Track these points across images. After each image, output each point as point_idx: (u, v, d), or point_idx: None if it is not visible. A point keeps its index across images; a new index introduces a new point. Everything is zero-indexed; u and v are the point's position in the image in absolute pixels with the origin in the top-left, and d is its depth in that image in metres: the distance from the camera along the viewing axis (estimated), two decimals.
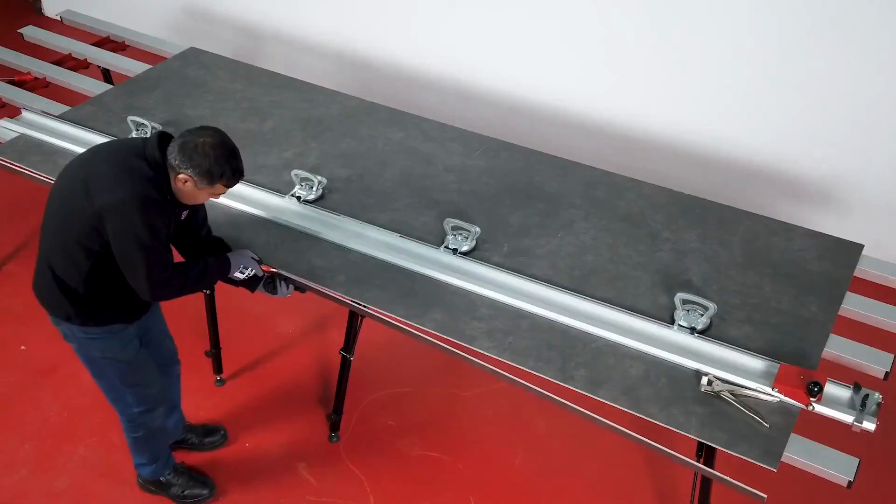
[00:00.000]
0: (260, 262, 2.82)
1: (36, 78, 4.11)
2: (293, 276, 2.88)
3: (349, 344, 3.23)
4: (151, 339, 2.91)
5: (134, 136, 3.45)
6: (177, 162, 2.42)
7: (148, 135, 3.41)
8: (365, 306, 2.82)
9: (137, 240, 2.40)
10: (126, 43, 4.49)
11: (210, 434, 3.42)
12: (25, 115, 3.67)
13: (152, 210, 2.41)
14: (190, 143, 2.41)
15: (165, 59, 4.19)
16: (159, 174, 2.45)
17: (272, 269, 2.86)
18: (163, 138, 2.49)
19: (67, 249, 2.49)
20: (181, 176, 2.43)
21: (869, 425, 2.38)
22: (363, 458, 3.39)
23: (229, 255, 2.74)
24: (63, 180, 2.56)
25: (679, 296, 2.71)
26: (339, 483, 3.30)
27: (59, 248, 2.52)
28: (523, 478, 3.35)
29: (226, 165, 2.44)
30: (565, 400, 2.53)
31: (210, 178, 2.43)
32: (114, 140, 2.78)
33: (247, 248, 2.84)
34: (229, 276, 2.73)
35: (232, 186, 2.52)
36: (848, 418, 2.40)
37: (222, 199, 3.13)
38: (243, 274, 2.75)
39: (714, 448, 2.40)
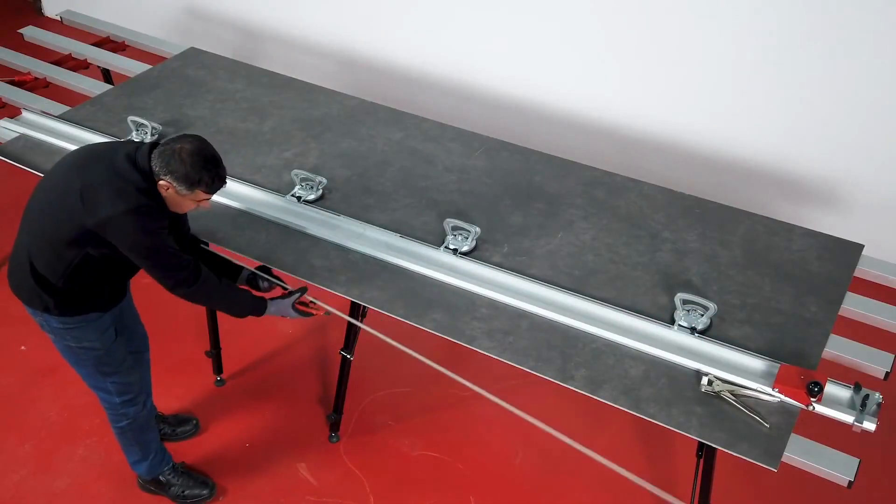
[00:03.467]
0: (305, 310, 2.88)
1: (36, 78, 4.11)
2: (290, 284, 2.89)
3: (349, 344, 3.23)
4: (126, 326, 2.95)
5: (134, 136, 3.46)
6: (157, 168, 2.45)
7: (148, 135, 3.43)
8: (364, 306, 2.83)
9: (141, 247, 2.47)
10: (126, 43, 4.49)
11: (182, 423, 3.44)
12: (25, 115, 3.67)
13: (146, 217, 2.45)
14: (167, 150, 2.45)
15: (165, 59, 4.19)
16: (150, 183, 2.48)
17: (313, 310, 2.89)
18: (153, 148, 2.51)
19: (54, 248, 2.51)
20: (162, 183, 2.46)
21: (869, 425, 2.38)
22: (363, 458, 3.39)
23: (271, 302, 2.81)
24: (54, 180, 2.56)
25: (679, 296, 2.70)
26: (339, 483, 3.30)
27: (45, 245, 2.53)
28: (523, 478, 3.35)
29: (203, 172, 2.45)
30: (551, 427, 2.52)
31: (188, 184, 2.45)
32: (108, 143, 2.76)
33: (290, 296, 2.86)
34: (260, 315, 2.80)
35: (213, 193, 2.54)
36: (848, 418, 2.40)
37: (222, 199, 3.14)
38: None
39: (714, 448, 2.40)
